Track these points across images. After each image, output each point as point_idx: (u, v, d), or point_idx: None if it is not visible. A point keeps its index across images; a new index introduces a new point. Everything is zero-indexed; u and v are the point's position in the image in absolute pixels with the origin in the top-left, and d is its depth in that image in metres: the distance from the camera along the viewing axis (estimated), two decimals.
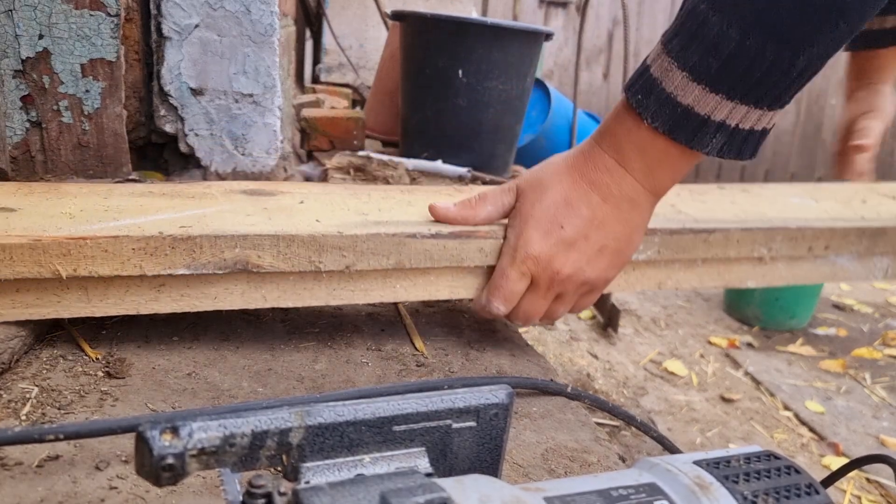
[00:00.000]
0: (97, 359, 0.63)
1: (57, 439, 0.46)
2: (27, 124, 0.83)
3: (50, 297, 0.60)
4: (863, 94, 1.14)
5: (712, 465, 0.38)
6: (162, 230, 0.60)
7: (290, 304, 0.66)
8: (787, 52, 0.54)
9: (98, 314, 0.62)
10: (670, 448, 0.71)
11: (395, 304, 0.84)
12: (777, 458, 0.39)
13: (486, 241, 0.68)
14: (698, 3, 0.56)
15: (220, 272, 0.61)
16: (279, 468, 0.35)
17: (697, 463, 0.38)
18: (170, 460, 0.31)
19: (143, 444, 0.32)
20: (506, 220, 0.69)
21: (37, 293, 0.60)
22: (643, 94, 0.59)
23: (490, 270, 0.69)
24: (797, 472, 0.38)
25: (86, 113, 0.85)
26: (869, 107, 1.11)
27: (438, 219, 0.69)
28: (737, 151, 0.59)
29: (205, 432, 0.33)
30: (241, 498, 0.33)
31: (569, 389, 0.71)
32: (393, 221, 0.68)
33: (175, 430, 0.32)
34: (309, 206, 0.72)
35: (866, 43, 1.09)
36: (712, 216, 0.84)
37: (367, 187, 0.84)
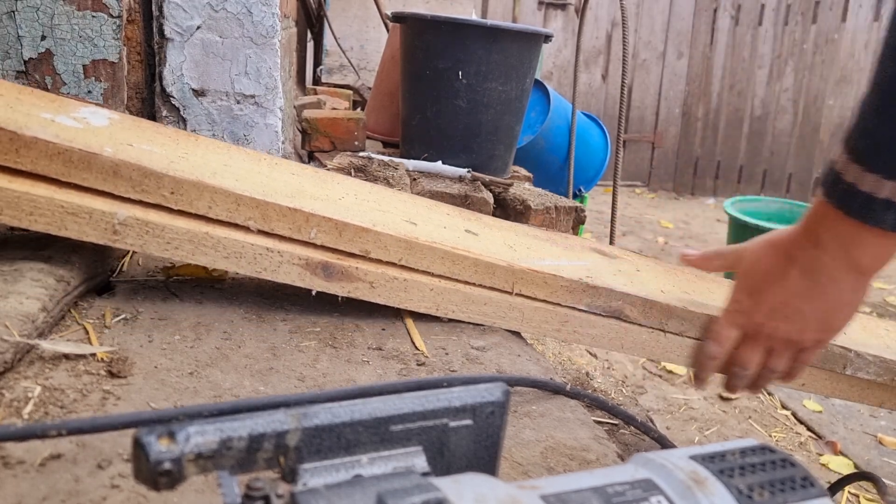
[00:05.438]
0: (102, 358, 0.64)
1: (59, 435, 0.46)
2: None
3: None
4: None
5: (708, 460, 0.38)
6: (580, 277, 0.85)
7: (646, 357, 0.89)
8: None
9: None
10: (669, 447, 0.71)
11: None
12: (772, 451, 0.39)
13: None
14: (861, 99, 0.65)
15: (603, 314, 0.84)
16: (277, 470, 0.35)
17: (693, 458, 0.38)
18: (167, 465, 0.31)
19: (139, 449, 0.31)
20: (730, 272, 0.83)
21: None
22: (825, 175, 0.68)
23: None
24: (792, 465, 0.38)
25: None
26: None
27: (683, 262, 0.86)
28: None
29: (201, 437, 0.32)
30: (238, 501, 0.33)
31: (568, 388, 0.71)
32: (698, 302, 0.91)
33: (172, 435, 0.32)
34: (647, 276, 0.95)
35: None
36: None
37: (677, 269, 1.06)
